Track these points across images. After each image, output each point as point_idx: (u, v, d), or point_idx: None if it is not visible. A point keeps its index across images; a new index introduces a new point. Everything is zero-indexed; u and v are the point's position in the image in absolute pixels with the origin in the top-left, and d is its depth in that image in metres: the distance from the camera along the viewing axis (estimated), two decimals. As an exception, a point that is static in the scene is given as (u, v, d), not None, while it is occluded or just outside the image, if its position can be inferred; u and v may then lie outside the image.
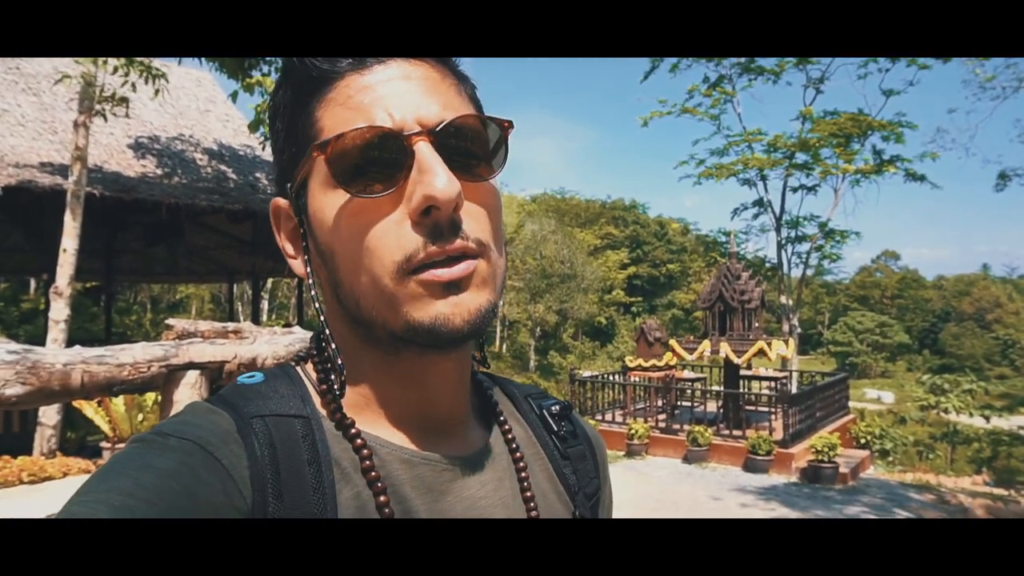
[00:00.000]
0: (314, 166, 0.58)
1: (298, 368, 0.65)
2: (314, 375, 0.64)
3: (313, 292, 0.61)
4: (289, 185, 0.61)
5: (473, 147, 0.58)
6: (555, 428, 0.75)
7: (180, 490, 0.48)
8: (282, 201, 0.64)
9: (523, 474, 0.67)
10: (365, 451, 0.58)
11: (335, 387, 0.61)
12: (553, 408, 0.77)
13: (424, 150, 0.55)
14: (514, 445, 0.69)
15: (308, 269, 0.61)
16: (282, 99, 0.61)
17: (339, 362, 0.60)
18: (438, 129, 0.56)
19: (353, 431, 0.59)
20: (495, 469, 0.66)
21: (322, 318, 0.61)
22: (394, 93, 0.56)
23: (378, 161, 0.55)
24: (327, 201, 0.57)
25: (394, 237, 0.55)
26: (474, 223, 0.57)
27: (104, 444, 8.12)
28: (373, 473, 0.57)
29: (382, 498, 0.56)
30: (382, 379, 0.62)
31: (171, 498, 0.48)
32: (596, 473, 0.77)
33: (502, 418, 0.71)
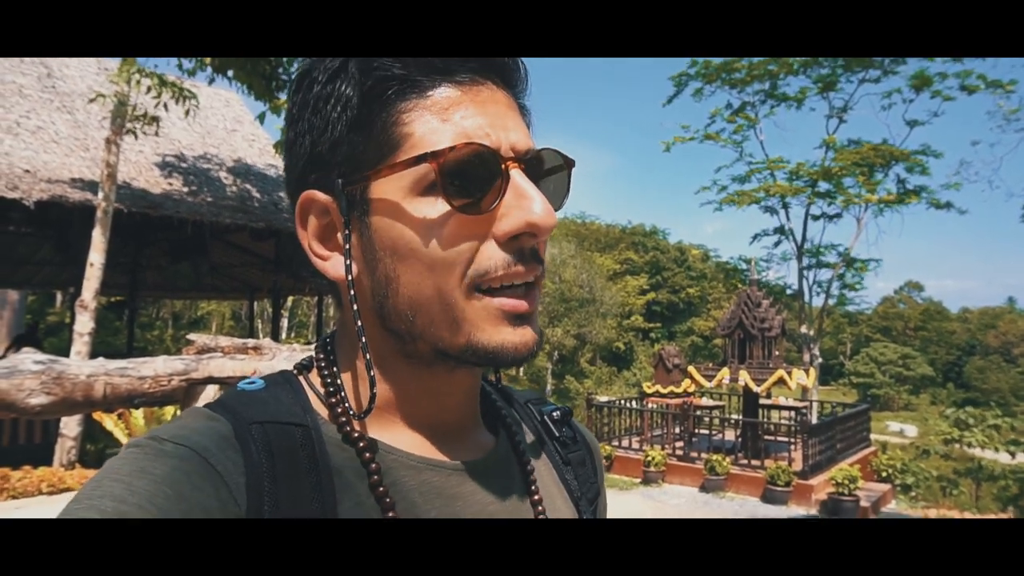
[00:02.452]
0: (406, 170, 0.55)
1: (300, 377, 0.65)
2: (319, 385, 0.63)
3: (355, 307, 0.59)
4: (341, 180, 0.58)
5: (547, 178, 0.61)
6: (556, 433, 0.76)
7: (173, 496, 0.48)
8: (320, 195, 0.59)
9: (532, 479, 0.68)
10: (373, 465, 0.57)
11: (344, 396, 0.61)
12: (554, 414, 0.77)
13: (519, 176, 0.56)
14: (522, 450, 0.70)
15: (349, 276, 0.58)
16: (343, 91, 0.57)
17: (374, 390, 0.58)
18: (527, 157, 0.58)
19: (362, 444, 0.58)
20: (503, 474, 0.66)
21: (364, 339, 0.58)
22: (488, 114, 0.57)
23: (477, 179, 0.55)
24: (410, 206, 0.56)
25: (476, 254, 0.56)
26: (542, 253, 0.59)
27: (123, 457, 8.19)
28: (381, 488, 0.57)
29: (391, 513, 0.56)
30: (400, 391, 0.62)
31: (163, 504, 0.48)
32: (595, 477, 0.78)
33: (509, 424, 0.72)
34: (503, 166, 0.56)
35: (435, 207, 0.55)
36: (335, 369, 0.64)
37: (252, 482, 0.52)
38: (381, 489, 0.57)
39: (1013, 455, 17.77)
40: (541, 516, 0.66)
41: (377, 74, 0.57)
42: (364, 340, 0.58)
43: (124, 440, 8.22)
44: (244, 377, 3.01)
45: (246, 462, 0.53)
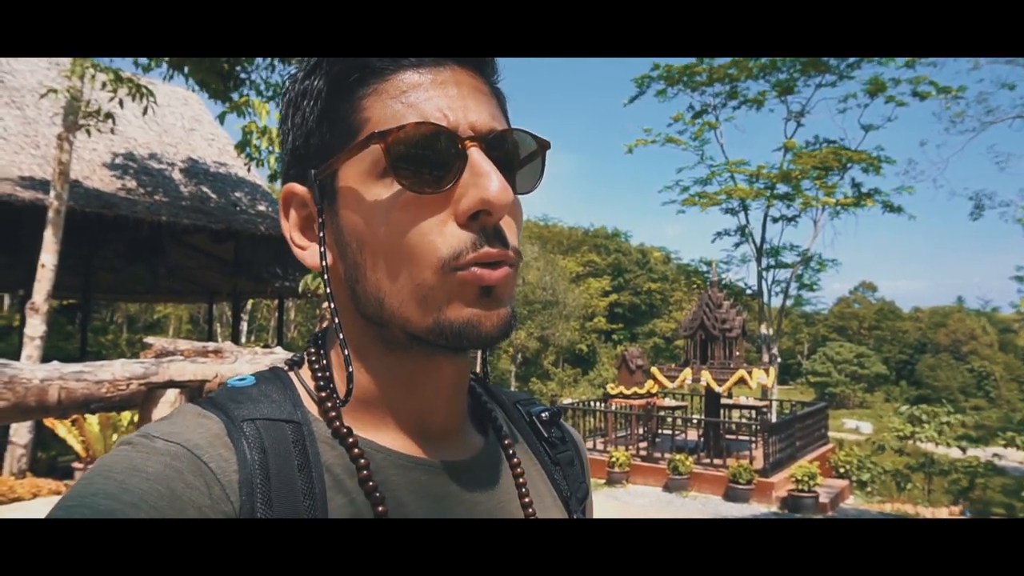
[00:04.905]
0: (361, 154, 0.56)
1: (291, 373, 0.64)
2: (309, 380, 0.63)
3: (328, 290, 0.59)
4: (314, 171, 0.59)
5: (514, 161, 0.59)
6: (545, 434, 0.76)
7: (166, 494, 0.48)
8: (299, 187, 0.61)
9: (521, 479, 0.67)
10: (363, 460, 0.57)
11: (335, 393, 0.60)
12: (543, 415, 0.77)
13: (478, 155, 0.55)
14: (511, 451, 0.70)
15: (323, 262, 0.59)
16: (315, 85, 0.59)
17: (350, 370, 0.58)
18: (490, 137, 0.57)
19: (351, 439, 0.58)
20: (493, 474, 0.66)
21: (337, 320, 0.59)
22: (448, 96, 0.57)
23: (431, 159, 0.55)
24: (369, 191, 0.56)
25: (439, 235, 0.55)
26: (510, 234, 0.57)
27: (76, 464, 7.94)
28: (371, 483, 0.56)
29: (380, 507, 0.56)
30: (384, 382, 0.61)
31: (156, 501, 0.47)
32: (583, 477, 0.79)
33: (498, 424, 0.72)
34: (460, 145, 0.55)
35: (391, 189, 0.55)
36: (325, 363, 0.63)
37: (244, 480, 0.52)
38: (371, 484, 0.56)
39: (963, 450, 18.34)
40: (531, 517, 0.66)
41: (342, 64, 0.58)
42: (338, 321, 0.59)
43: (78, 447, 7.98)
44: (205, 381, 2.95)
45: (238, 460, 0.53)
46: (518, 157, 0.60)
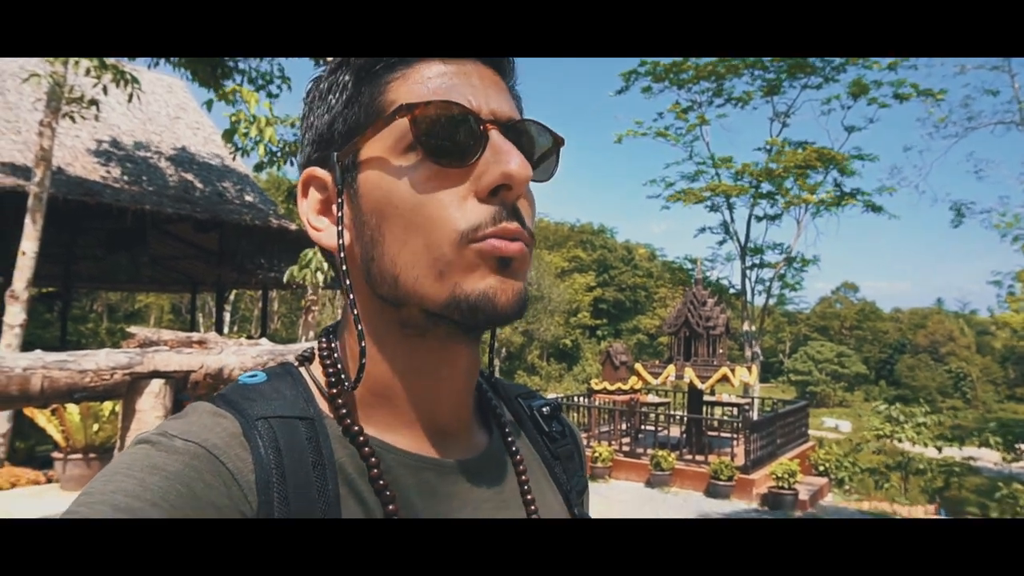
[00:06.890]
0: (386, 130, 0.58)
1: (301, 368, 0.64)
2: (320, 376, 0.63)
3: (344, 268, 0.60)
4: (337, 153, 0.60)
5: (532, 150, 0.62)
6: (546, 428, 0.77)
7: (185, 493, 0.49)
8: (319, 171, 0.62)
9: (523, 476, 0.68)
10: (373, 459, 0.58)
11: (347, 388, 0.60)
12: (544, 409, 0.78)
13: (498, 136, 0.57)
14: (514, 447, 0.70)
15: (340, 241, 0.60)
16: (342, 79, 0.61)
17: (363, 344, 0.58)
18: (508, 124, 0.59)
19: (361, 438, 0.58)
20: (497, 472, 0.67)
21: (352, 297, 0.59)
22: (471, 84, 0.59)
23: (455, 136, 0.56)
24: (392, 165, 0.57)
25: (459, 209, 0.56)
26: (526, 216, 0.59)
27: (56, 454, 7.84)
28: (381, 481, 0.57)
29: (391, 507, 0.56)
30: (399, 370, 0.61)
31: (176, 500, 0.48)
32: (581, 470, 0.80)
33: (502, 420, 0.72)
34: (482, 127, 0.57)
35: (415, 163, 0.56)
36: (336, 356, 0.63)
37: (261, 479, 0.53)
38: (382, 483, 0.57)
39: (940, 449, 18.60)
40: (533, 514, 0.67)
41: (367, 58, 0.60)
42: (352, 296, 0.59)
43: (58, 437, 7.89)
44: (190, 371, 2.93)
45: (255, 459, 0.53)
46: (533, 149, 0.62)
